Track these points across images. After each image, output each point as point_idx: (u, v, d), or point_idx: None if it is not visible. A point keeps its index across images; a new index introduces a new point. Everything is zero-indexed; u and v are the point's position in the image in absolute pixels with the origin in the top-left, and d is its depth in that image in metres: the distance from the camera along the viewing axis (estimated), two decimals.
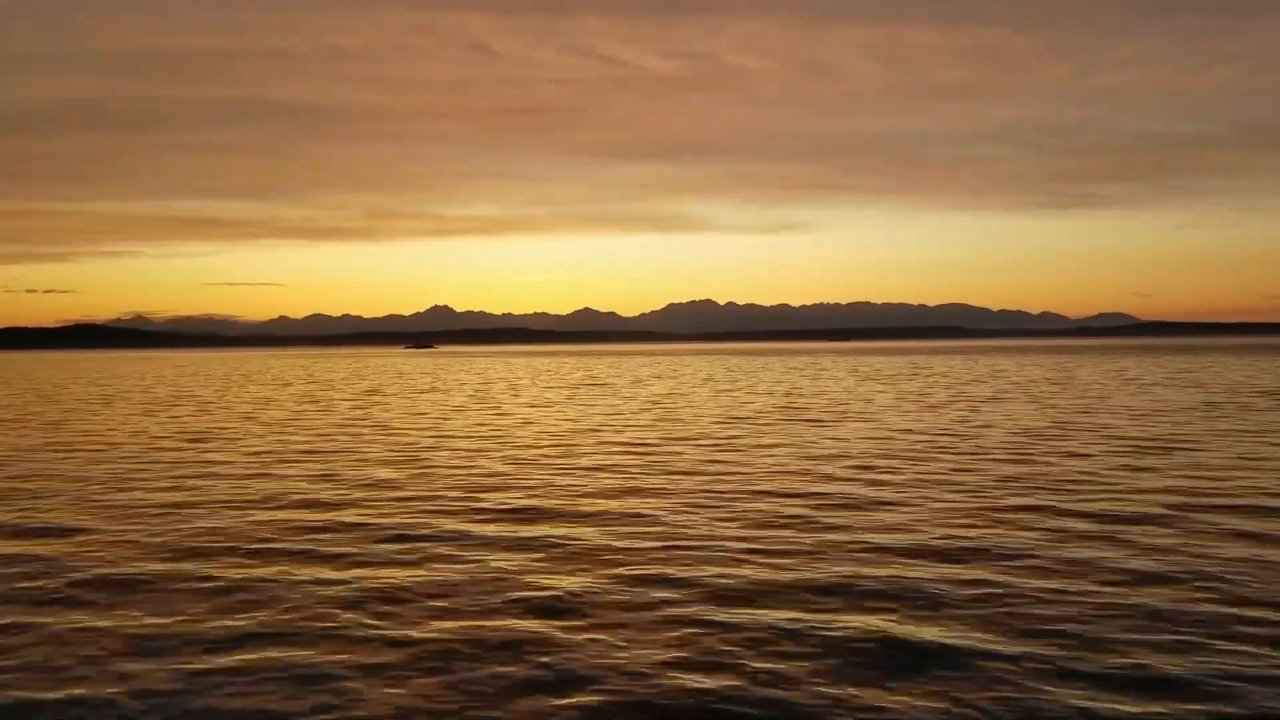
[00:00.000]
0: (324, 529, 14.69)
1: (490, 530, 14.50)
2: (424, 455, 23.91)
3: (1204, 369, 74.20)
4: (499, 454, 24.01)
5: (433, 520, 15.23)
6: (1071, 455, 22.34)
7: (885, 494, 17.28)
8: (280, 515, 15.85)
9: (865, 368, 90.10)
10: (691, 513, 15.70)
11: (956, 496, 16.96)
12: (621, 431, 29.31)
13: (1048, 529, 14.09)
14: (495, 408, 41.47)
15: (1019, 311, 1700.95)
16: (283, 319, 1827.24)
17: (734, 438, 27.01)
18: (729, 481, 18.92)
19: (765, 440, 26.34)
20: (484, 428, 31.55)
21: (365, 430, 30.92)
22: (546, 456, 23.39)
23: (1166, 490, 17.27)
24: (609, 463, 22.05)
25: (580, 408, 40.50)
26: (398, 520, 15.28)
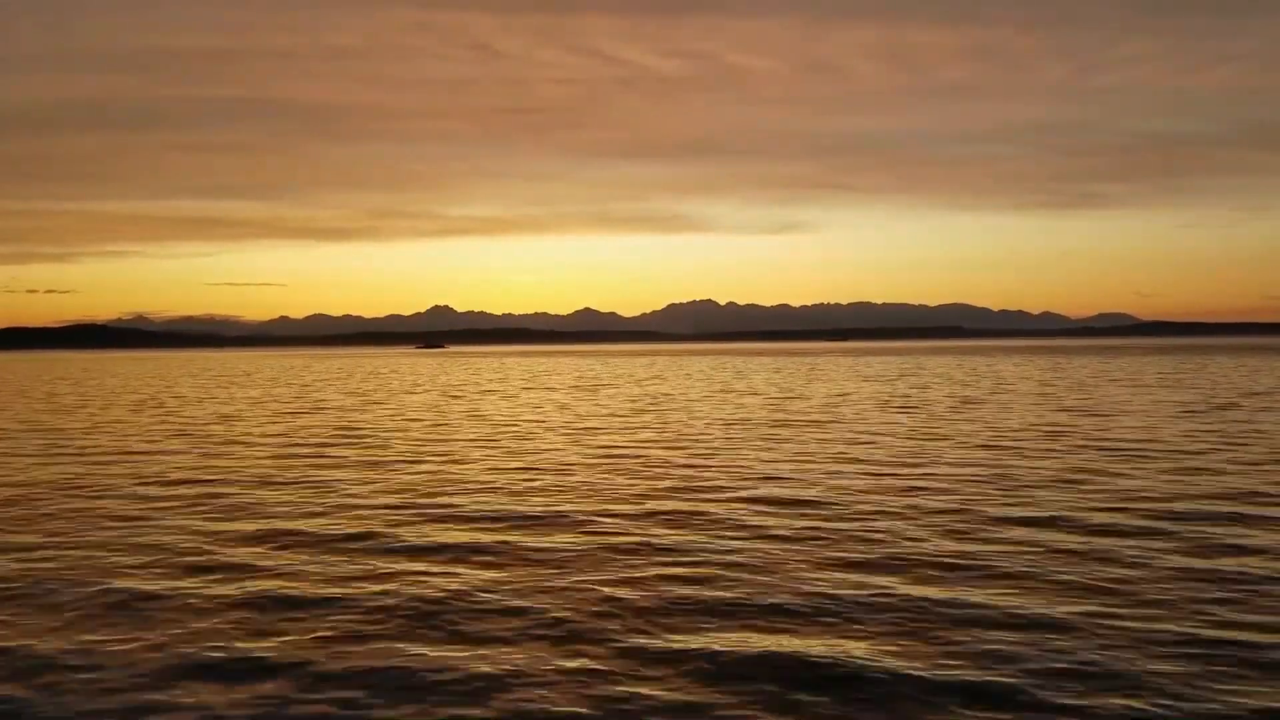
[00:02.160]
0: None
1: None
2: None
3: (1196, 370, 73.95)
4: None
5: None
6: (1036, 459, 22.13)
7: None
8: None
9: (864, 368, 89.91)
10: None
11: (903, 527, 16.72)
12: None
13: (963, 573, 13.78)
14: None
15: (1019, 311, 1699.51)
16: (283, 319, 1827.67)
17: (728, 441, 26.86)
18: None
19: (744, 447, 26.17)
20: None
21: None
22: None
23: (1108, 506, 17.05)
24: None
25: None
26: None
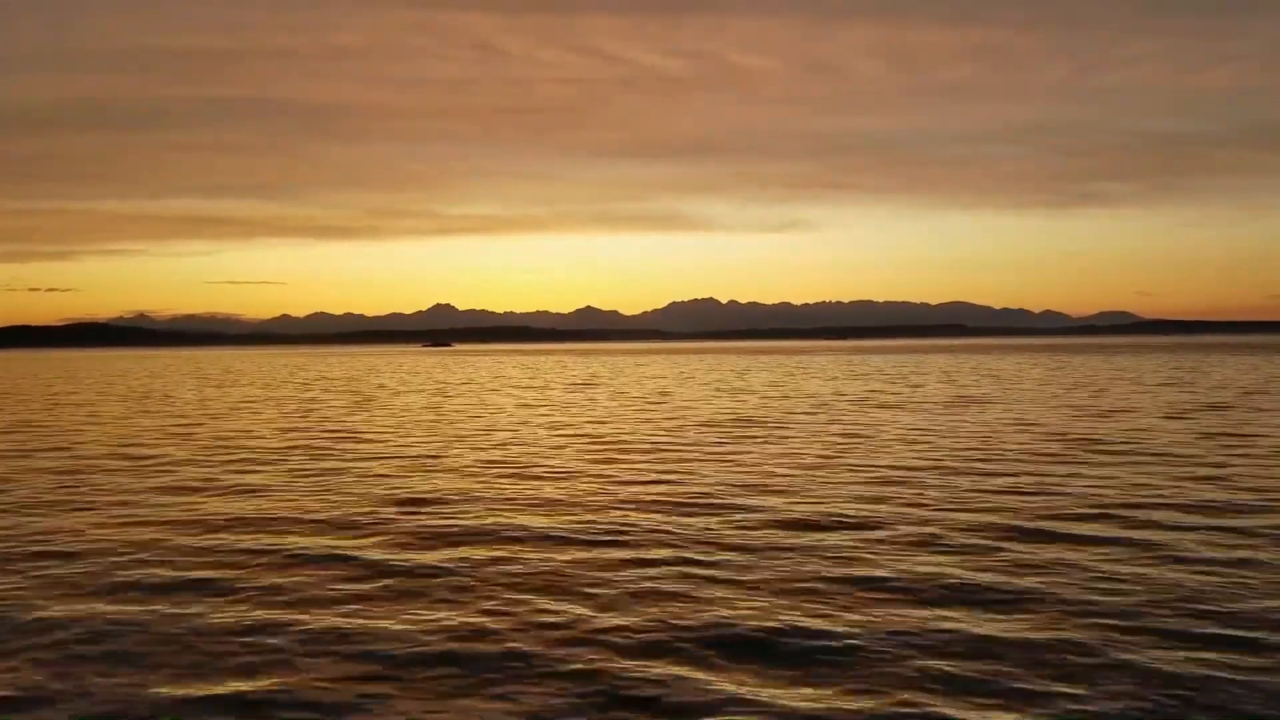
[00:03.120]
0: None
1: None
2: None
3: (1194, 369, 73.13)
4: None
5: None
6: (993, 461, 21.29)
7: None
8: None
9: (862, 366, 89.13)
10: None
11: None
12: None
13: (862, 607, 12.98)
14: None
15: (1021, 310, 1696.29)
16: (285, 317, 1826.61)
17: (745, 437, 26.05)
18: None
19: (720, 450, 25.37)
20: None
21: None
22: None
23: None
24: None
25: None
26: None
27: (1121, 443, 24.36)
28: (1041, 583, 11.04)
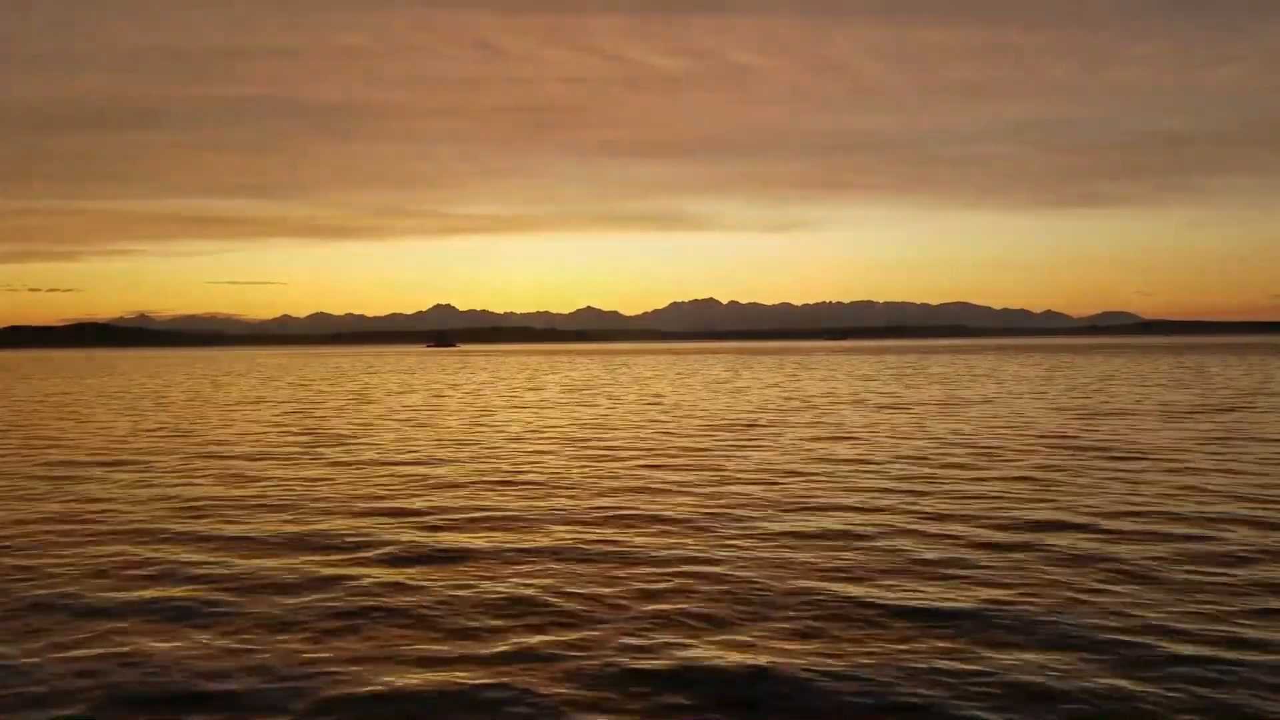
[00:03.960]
0: None
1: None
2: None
3: (1194, 370, 72.60)
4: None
5: None
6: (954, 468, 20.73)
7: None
8: None
9: (858, 368, 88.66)
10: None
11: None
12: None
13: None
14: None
15: (1022, 310, 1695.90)
16: (285, 318, 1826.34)
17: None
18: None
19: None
20: None
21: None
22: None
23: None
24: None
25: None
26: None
27: (1118, 446, 23.82)
28: (1023, 605, 10.49)
